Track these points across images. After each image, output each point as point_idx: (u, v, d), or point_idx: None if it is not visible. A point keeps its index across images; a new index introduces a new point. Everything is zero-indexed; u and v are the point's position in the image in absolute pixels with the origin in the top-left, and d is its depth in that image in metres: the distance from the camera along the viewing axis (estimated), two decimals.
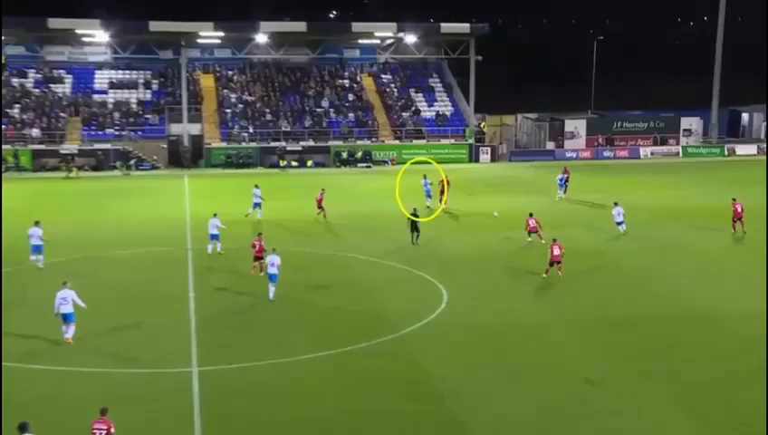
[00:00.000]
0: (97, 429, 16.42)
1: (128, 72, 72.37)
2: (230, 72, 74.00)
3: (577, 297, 29.41)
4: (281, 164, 64.91)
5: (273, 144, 67.32)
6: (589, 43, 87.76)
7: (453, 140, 70.35)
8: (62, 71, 71.38)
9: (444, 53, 74.67)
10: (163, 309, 28.34)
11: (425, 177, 47.98)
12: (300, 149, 67.53)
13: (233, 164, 65.51)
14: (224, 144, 67.18)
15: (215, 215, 35.70)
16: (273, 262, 29.10)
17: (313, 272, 33.09)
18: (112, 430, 16.47)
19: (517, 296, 29.67)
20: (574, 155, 70.92)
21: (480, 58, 70.78)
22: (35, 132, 64.84)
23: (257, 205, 43.11)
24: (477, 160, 69.26)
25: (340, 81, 74.72)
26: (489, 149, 70.69)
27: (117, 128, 66.55)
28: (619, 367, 22.71)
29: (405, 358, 23.66)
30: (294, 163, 66.07)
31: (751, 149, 73.95)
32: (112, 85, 70.98)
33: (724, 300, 28.82)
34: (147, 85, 71.69)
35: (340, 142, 68.27)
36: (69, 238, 38.13)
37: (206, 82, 72.93)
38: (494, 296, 29.67)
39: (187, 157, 65.79)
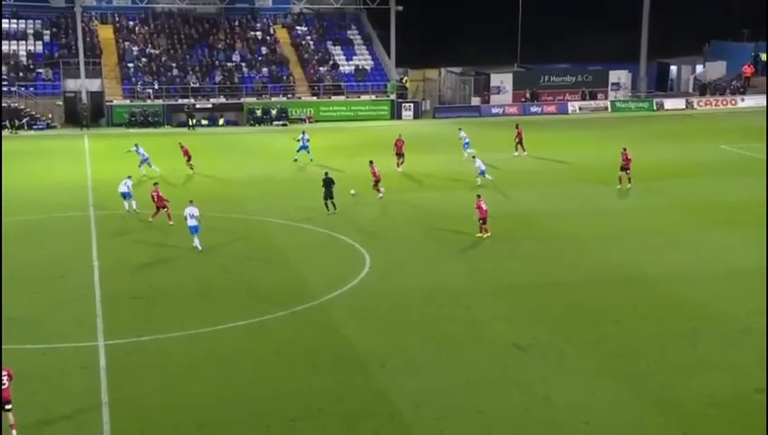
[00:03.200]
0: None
1: (14, 21, 69.71)
2: (131, 23, 72.02)
3: (502, 261, 30.14)
4: (190, 123, 63.91)
5: (180, 101, 66.08)
6: None
7: (374, 96, 70.28)
8: None
9: (362, 2, 74.20)
10: (65, 280, 27.92)
11: (303, 132, 48.82)
12: (210, 106, 66.47)
13: (137, 123, 64.14)
14: (127, 101, 65.59)
15: (129, 176, 36.75)
16: (192, 213, 29.98)
17: (228, 237, 32.99)
18: (12, 372, 17.60)
19: (442, 259, 30.22)
20: (500, 111, 71.80)
21: (401, 8, 70.57)
22: None
23: (144, 161, 43.75)
24: (400, 117, 69.42)
25: (252, 33, 73.61)
26: (412, 105, 70.89)
27: (5, 83, 64.24)
28: (547, 333, 23.49)
29: (326, 327, 23.96)
30: (204, 122, 65.12)
31: (679, 103, 76.06)
32: None
33: (650, 262, 29.89)
34: (37, 36, 69.23)
35: (253, 99, 67.48)
36: None
37: (105, 33, 70.85)
38: (419, 260, 30.15)
39: (85, 115, 64.07)
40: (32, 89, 64.70)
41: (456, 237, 32.59)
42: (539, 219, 35.71)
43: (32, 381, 20.14)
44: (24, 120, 62.30)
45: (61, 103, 64.92)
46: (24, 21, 69.78)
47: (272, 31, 74.23)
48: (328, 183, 36.06)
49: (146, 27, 71.86)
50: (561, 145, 54.83)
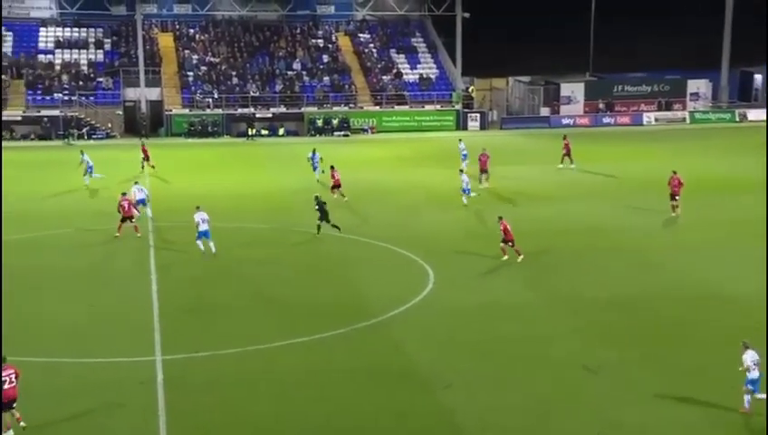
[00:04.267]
0: (6, 375, 17.68)
1: (76, 29, 71.67)
2: (191, 31, 73.50)
3: (568, 277, 29.84)
4: (249, 133, 64.83)
5: (240, 111, 67.16)
6: None
7: (438, 106, 70.41)
8: None
9: (427, 9, 74.49)
10: (122, 292, 28.48)
11: (314, 151, 48.06)
12: (270, 116, 67.38)
13: (196, 133, 65.34)
14: (186, 111, 66.91)
15: (136, 182, 39.09)
16: (203, 218, 31.29)
17: (285, 250, 33.30)
18: (18, 371, 18.13)
19: (506, 276, 30.02)
20: (571, 122, 71.23)
21: (468, 15, 70.66)
22: None
23: (89, 170, 45.45)
24: (465, 128, 69.35)
25: (314, 40, 74.46)
26: (478, 115, 70.80)
27: (66, 92, 66.06)
28: (616, 352, 23.17)
29: (388, 345, 23.99)
30: (264, 132, 66.00)
31: (764, 114, 74.49)
32: (59, 44, 70.30)
33: (726, 279, 29.26)
34: (98, 45, 71.10)
35: (314, 109, 68.20)
36: (14, 215, 37.97)
37: (165, 41, 72.44)
38: (483, 276, 30.00)
39: (145, 125, 65.53)
40: (92, 98, 66.39)
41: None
42: (605, 233, 35.30)
43: (89, 396, 20.58)
44: (84, 130, 63.93)
45: (120, 113, 66.45)
46: (85, 29, 71.66)
47: (334, 38, 74.91)
48: (321, 205, 34.70)
49: (206, 35, 73.20)
50: (635, 157, 54.16)
